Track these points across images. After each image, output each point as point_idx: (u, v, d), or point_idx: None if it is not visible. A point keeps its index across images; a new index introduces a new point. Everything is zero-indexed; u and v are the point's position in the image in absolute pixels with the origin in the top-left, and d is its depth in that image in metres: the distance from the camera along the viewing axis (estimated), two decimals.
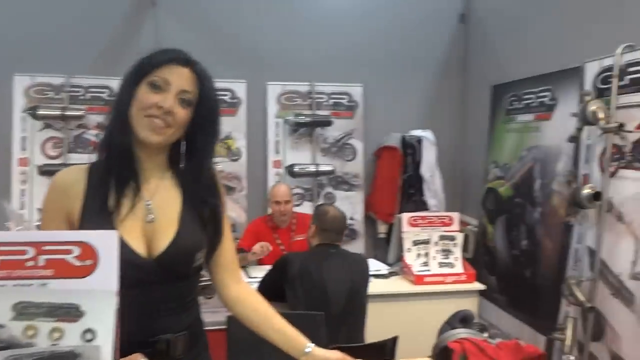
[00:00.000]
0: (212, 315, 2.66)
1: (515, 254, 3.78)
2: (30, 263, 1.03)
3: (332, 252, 2.63)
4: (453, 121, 4.89)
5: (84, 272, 1.05)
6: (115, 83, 4.09)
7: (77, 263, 1.05)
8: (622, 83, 2.77)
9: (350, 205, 4.55)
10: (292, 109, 4.53)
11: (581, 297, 2.81)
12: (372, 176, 4.72)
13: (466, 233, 3.42)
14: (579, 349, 2.87)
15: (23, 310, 1.01)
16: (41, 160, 4.17)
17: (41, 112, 4.09)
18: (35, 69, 4.19)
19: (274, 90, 4.53)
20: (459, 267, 3.15)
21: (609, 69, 2.85)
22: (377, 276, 3.12)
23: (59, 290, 1.03)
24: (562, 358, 2.83)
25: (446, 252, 3.19)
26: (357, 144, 4.62)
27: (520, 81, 3.97)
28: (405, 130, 4.65)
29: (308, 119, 4.43)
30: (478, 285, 3.14)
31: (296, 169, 4.33)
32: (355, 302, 2.55)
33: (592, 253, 2.89)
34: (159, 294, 1.29)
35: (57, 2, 4.26)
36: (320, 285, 2.49)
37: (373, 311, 2.84)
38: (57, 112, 4.12)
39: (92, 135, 4.26)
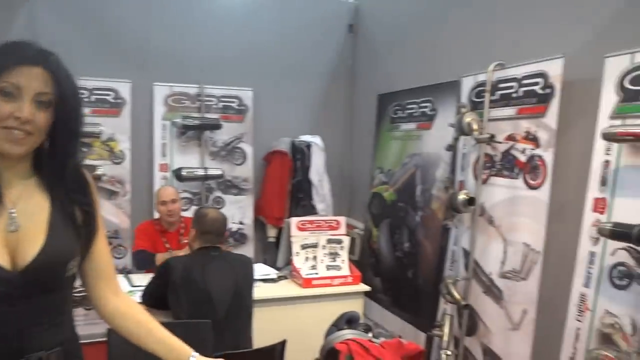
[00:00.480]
0: (91, 328, 2.52)
1: (398, 255, 3.97)
2: None
3: (214, 255, 2.58)
4: (341, 128, 5.04)
5: None
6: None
7: None
8: (493, 97, 3.01)
9: (240, 209, 4.52)
10: (180, 111, 4.41)
11: (457, 296, 3.00)
12: (261, 180, 4.72)
13: (352, 236, 3.54)
14: (455, 344, 3.07)
15: None
16: None
17: None
18: None
19: (161, 91, 4.38)
20: (345, 270, 3.24)
21: (482, 84, 3.09)
22: (266, 280, 3.13)
23: None
24: (440, 353, 3.00)
25: (333, 255, 3.27)
26: (247, 148, 4.60)
27: (404, 91, 4.18)
28: (295, 135, 4.72)
29: (197, 122, 4.34)
30: (363, 287, 3.25)
31: (184, 172, 4.22)
32: (240, 305, 2.53)
33: (467, 254, 3.11)
34: (27, 309, 1.18)
35: None
36: (203, 289, 2.44)
37: (262, 315, 2.84)
38: None
39: None
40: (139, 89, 4.32)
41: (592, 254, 2.34)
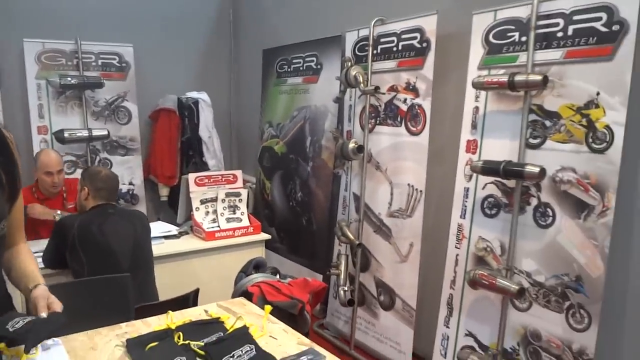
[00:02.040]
0: None
1: (292, 205, 4.16)
2: None
3: (110, 212, 2.58)
4: (227, 83, 5.04)
5: None
6: None
7: None
8: (375, 52, 3.21)
9: (129, 169, 4.41)
10: (56, 69, 4.15)
11: (351, 236, 3.26)
12: (149, 140, 4.63)
13: (246, 190, 3.64)
14: (351, 280, 3.34)
15: None
16: None
17: None
18: None
19: (32, 48, 4.09)
20: (245, 221, 3.35)
21: (365, 38, 3.27)
22: (167, 237, 3.16)
23: None
24: (338, 290, 3.26)
25: (233, 208, 3.36)
26: (131, 106, 4.45)
27: (289, 46, 4.28)
28: (181, 92, 4.65)
29: (75, 81, 4.12)
30: (264, 236, 3.40)
31: (66, 134, 4.01)
32: (141, 257, 2.56)
33: (357, 198, 3.35)
34: None
35: None
36: (104, 245, 2.44)
37: (168, 270, 2.90)
38: None
39: None
40: (7, 46, 4.01)
41: (467, 189, 2.66)
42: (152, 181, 4.62)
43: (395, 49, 3.11)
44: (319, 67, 3.96)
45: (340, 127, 3.64)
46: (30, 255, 1.43)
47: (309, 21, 4.12)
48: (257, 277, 2.45)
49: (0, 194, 1.30)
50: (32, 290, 1.29)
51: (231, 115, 5.04)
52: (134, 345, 1.31)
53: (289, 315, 2.26)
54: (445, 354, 2.76)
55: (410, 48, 3.00)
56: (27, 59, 4.07)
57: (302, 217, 4.05)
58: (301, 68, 4.14)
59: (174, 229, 3.27)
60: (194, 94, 4.61)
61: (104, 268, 2.33)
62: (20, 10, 4.02)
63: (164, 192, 4.58)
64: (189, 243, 3.17)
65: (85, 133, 4.10)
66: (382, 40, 3.18)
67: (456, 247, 2.72)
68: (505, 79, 2.33)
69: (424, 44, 2.91)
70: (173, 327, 1.39)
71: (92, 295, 2.04)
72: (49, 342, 1.33)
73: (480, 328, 2.60)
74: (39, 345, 1.30)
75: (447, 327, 2.76)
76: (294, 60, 4.22)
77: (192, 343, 1.29)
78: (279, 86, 4.38)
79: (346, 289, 3.26)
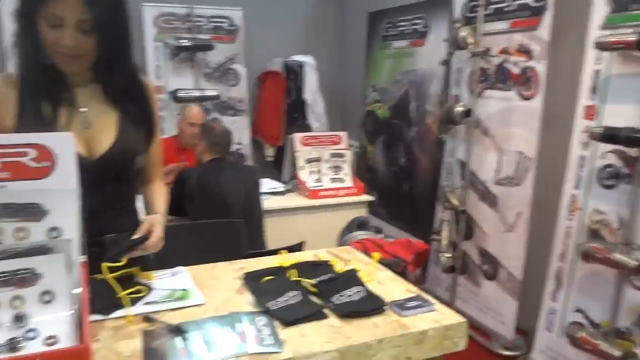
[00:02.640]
0: None
1: (394, 170, 4.14)
2: None
3: (224, 165, 2.74)
4: (332, 46, 5.05)
5: (42, 173, 1.06)
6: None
7: (34, 165, 1.05)
8: (487, 12, 3.07)
9: (237, 130, 4.57)
10: (171, 32, 4.37)
11: (455, 202, 3.19)
12: (256, 101, 4.77)
13: (350, 151, 3.67)
14: (453, 248, 3.29)
15: None
16: None
17: None
18: None
19: (150, 12, 4.32)
20: (349, 182, 3.40)
21: None
22: (274, 193, 3.27)
23: (19, 191, 1.03)
24: (439, 256, 3.23)
25: (336, 169, 3.41)
26: (240, 69, 4.61)
27: (394, 9, 4.20)
28: (287, 55, 4.73)
29: (188, 43, 4.31)
30: (367, 197, 3.43)
31: (180, 94, 4.24)
32: (252, 208, 2.71)
33: (463, 165, 3.27)
34: (102, 196, 1.34)
35: None
36: (218, 194, 2.60)
37: (273, 224, 3.00)
38: None
39: None
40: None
41: (582, 158, 2.50)
42: (258, 141, 4.78)
43: (508, 8, 2.96)
44: (425, 29, 3.87)
45: (446, 91, 3.54)
46: (162, 190, 1.55)
47: None
48: (360, 234, 2.49)
49: (139, 131, 1.43)
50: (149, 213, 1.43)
51: (336, 78, 5.06)
52: (250, 278, 1.38)
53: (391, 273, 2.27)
54: (551, 328, 2.66)
55: (525, 7, 2.84)
56: (145, 22, 4.31)
57: (404, 182, 4.02)
58: (407, 31, 4.06)
59: (280, 186, 3.38)
60: (299, 57, 4.67)
61: (218, 215, 2.47)
62: None
63: (269, 152, 4.72)
64: (294, 200, 3.27)
65: (197, 93, 4.31)
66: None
67: (568, 219, 2.58)
68: (633, 38, 2.15)
69: (541, 3, 2.74)
70: (286, 265, 1.45)
71: (208, 237, 2.18)
72: (177, 269, 1.45)
73: (591, 304, 2.46)
74: (167, 272, 1.42)
75: (554, 301, 2.64)
76: (400, 23, 4.14)
77: (304, 280, 1.34)
78: (384, 50, 4.32)
79: (448, 255, 3.22)
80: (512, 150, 2.95)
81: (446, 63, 3.48)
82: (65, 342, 0.98)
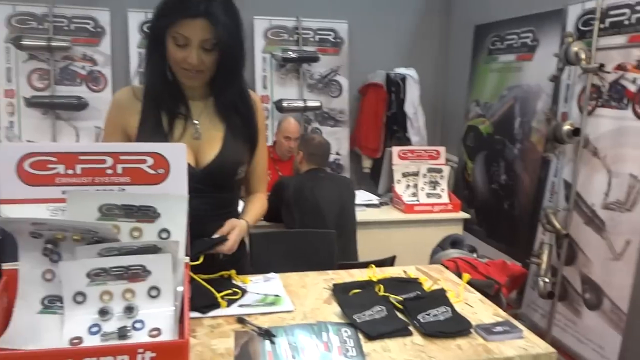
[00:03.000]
0: None
1: (494, 187, 4.02)
2: (110, 171, 1.14)
3: (321, 176, 2.82)
4: (436, 60, 5.01)
5: (157, 179, 1.17)
6: (99, 14, 4.16)
7: (151, 171, 1.17)
8: (602, 26, 2.92)
9: (336, 140, 4.68)
10: (279, 44, 4.56)
11: (557, 225, 3.05)
12: (356, 112, 4.84)
13: (448, 167, 3.62)
14: (553, 273, 3.14)
15: (107, 212, 1.13)
16: (28, 91, 4.13)
17: (25, 42, 4.02)
18: None
19: (260, 24, 4.53)
20: (445, 198, 3.36)
21: (591, 11, 2.99)
22: (369, 205, 3.31)
23: (137, 194, 1.15)
24: (538, 280, 3.10)
25: (433, 184, 3.38)
26: (343, 80, 4.71)
27: (502, 22, 4.09)
28: (390, 67, 4.76)
29: (295, 55, 4.47)
30: (463, 214, 3.37)
31: (284, 104, 4.41)
32: (346, 219, 2.75)
33: (568, 185, 3.12)
34: (206, 202, 1.45)
35: None
36: (314, 205, 2.67)
37: (366, 236, 3.03)
38: (43, 43, 4.05)
39: (79, 67, 4.23)
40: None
41: None
42: (357, 153, 4.84)
43: (627, 22, 2.79)
44: (535, 43, 3.73)
45: (554, 108, 3.40)
46: (260, 202, 1.65)
47: None
48: (453, 253, 2.45)
49: (242, 144, 1.54)
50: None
51: (437, 92, 5.01)
52: (339, 290, 1.43)
53: (483, 294, 2.23)
54: None
55: None
56: (256, 35, 4.52)
57: (504, 200, 3.90)
58: (515, 44, 3.94)
59: (375, 199, 3.41)
60: (402, 70, 4.68)
61: (313, 225, 2.56)
62: None
63: (367, 163, 4.77)
64: (389, 213, 3.28)
65: (300, 103, 4.45)
66: (611, 12, 2.88)
67: None
68: None
69: None
70: (375, 279, 1.48)
71: (301, 245, 2.26)
72: (270, 275, 1.53)
73: None
74: (261, 277, 1.50)
75: None
76: (508, 37, 4.03)
77: (392, 296, 1.37)
78: (489, 64, 4.22)
79: (547, 280, 3.08)
80: (623, 173, 2.77)
81: (555, 79, 3.33)
82: (167, 335, 1.08)
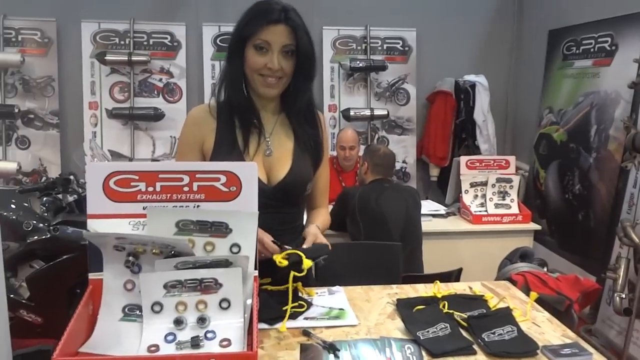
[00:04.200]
0: None
1: (568, 197, 3.88)
2: (186, 188, 1.22)
3: (386, 186, 2.83)
4: (506, 66, 4.90)
5: (230, 196, 1.23)
6: (176, 29, 4.36)
7: (224, 189, 1.23)
8: None
9: (403, 148, 4.67)
10: (347, 53, 4.60)
11: (636, 239, 2.91)
12: (424, 120, 4.80)
13: (518, 177, 3.53)
14: (630, 289, 2.99)
15: (183, 227, 1.20)
16: (110, 103, 4.39)
17: (109, 57, 4.28)
18: (100, 16, 4.35)
19: (329, 34, 4.60)
20: (515, 208, 3.27)
21: None
22: (435, 215, 3.28)
23: (211, 211, 1.21)
24: (614, 295, 2.96)
25: (502, 194, 3.31)
26: (410, 88, 4.69)
27: (578, 26, 3.95)
28: (458, 75, 4.69)
29: (363, 64, 4.50)
30: (534, 226, 3.27)
31: (351, 113, 4.45)
32: (411, 230, 2.75)
33: None
34: (276, 217, 1.50)
35: None
36: (379, 215, 2.69)
37: (433, 247, 3.01)
38: (124, 58, 4.30)
39: (156, 79, 4.45)
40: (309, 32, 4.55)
41: None
42: (424, 161, 4.80)
43: None
44: (613, 48, 3.58)
45: (634, 116, 3.24)
46: (325, 215, 1.69)
47: None
48: (522, 266, 2.40)
49: (310, 160, 1.59)
50: (306, 227, 1.56)
51: (508, 99, 4.89)
52: (403, 305, 1.44)
53: (553, 310, 2.16)
54: None
55: None
56: (324, 45, 4.59)
57: (578, 211, 3.75)
58: (592, 50, 3.79)
59: (442, 209, 3.38)
60: (471, 77, 4.61)
61: (378, 236, 2.57)
62: (321, 1, 4.50)
63: (434, 172, 4.72)
64: (456, 224, 3.24)
65: (367, 112, 4.48)
66: None
67: None
68: None
69: None
70: (439, 296, 1.48)
71: (366, 257, 2.28)
72: (335, 288, 1.57)
73: None
74: (325, 289, 1.54)
75: None
76: (584, 41, 3.88)
77: (456, 313, 1.37)
78: (563, 69, 4.09)
79: (623, 296, 2.93)
80: None
81: (635, 85, 3.19)
82: (237, 345, 1.13)
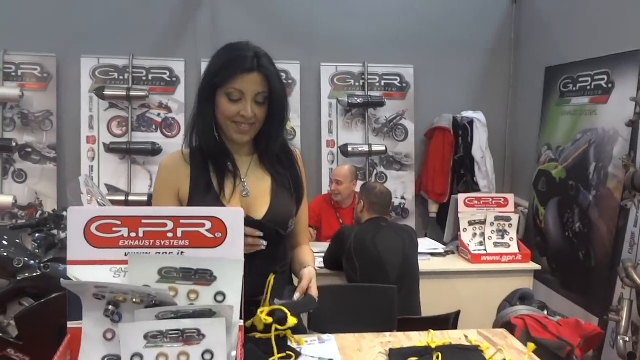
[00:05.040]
0: None
1: (568, 235, 3.83)
2: (170, 234, 1.18)
3: (383, 225, 2.78)
4: (504, 102, 4.91)
5: (215, 242, 1.20)
6: (175, 64, 4.39)
7: (209, 235, 1.19)
8: None
9: (402, 184, 4.64)
10: (345, 89, 4.62)
11: (638, 280, 2.85)
12: (422, 156, 4.79)
13: (517, 215, 3.49)
14: (634, 331, 2.92)
15: (166, 275, 1.16)
16: (107, 138, 4.39)
17: (107, 92, 4.29)
18: (100, 51, 4.39)
19: (327, 71, 4.62)
20: (514, 247, 3.22)
21: None
22: (433, 254, 3.23)
23: (195, 258, 1.17)
24: (618, 339, 2.89)
25: (501, 233, 3.26)
26: (409, 124, 4.69)
27: (575, 64, 3.97)
28: (456, 111, 4.70)
29: (361, 100, 4.51)
30: (533, 265, 3.21)
31: (349, 148, 4.44)
32: (408, 270, 2.69)
33: None
34: (259, 257, 1.44)
35: None
36: (375, 256, 2.64)
37: (431, 287, 2.96)
38: (123, 92, 4.31)
39: (155, 114, 4.45)
40: (307, 69, 4.60)
41: None
42: (423, 197, 4.77)
43: None
44: (609, 86, 3.58)
45: (632, 155, 3.22)
46: (310, 252, 1.67)
47: (599, 36, 3.76)
48: (522, 309, 2.33)
49: (290, 197, 1.57)
50: (301, 270, 1.52)
51: (506, 136, 4.89)
52: (396, 355, 1.39)
53: (553, 356, 2.10)
54: None
55: None
56: (322, 81, 4.61)
57: (579, 250, 3.70)
58: (589, 87, 3.80)
59: (440, 247, 3.33)
60: (469, 113, 4.61)
61: (374, 276, 2.52)
62: (319, 38, 4.54)
63: (433, 208, 4.68)
64: (454, 263, 3.18)
65: (365, 148, 4.47)
66: None
67: None
68: None
69: None
70: (433, 346, 1.43)
71: (361, 300, 2.22)
72: (325, 336, 1.51)
73: None
74: (316, 337, 1.49)
75: None
76: (581, 79, 3.90)
77: None
78: (561, 106, 4.09)
79: (627, 339, 2.86)
80: None
81: (633, 124, 3.18)
82: None
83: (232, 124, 1.47)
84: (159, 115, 4.46)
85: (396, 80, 4.69)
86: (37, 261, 2.71)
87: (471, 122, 4.56)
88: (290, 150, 1.62)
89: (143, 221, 1.18)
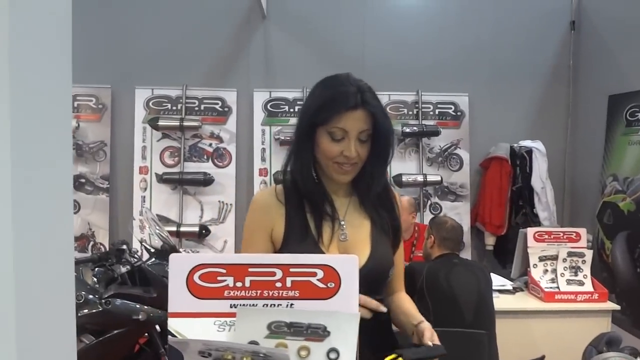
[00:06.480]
0: None
1: (639, 272, 3.63)
2: (279, 284, 1.09)
3: (455, 262, 2.64)
4: (563, 131, 4.74)
5: (327, 294, 1.10)
6: (227, 94, 4.39)
7: (321, 285, 1.10)
8: None
9: (457, 215, 4.48)
10: (398, 118, 4.53)
11: None
12: (478, 187, 4.64)
13: (591, 251, 3.29)
14: None
15: (276, 329, 1.07)
16: (160, 168, 4.38)
17: (161, 122, 4.30)
18: (154, 82, 4.41)
19: (381, 100, 4.53)
20: (588, 285, 3.03)
21: None
22: (501, 291, 3.06)
23: (307, 312, 1.08)
24: None
25: (574, 270, 3.07)
26: (464, 154, 4.57)
27: None
28: (513, 140, 4.56)
29: (415, 129, 4.42)
30: (611, 305, 3.00)
31: (403, 178, 4.33)
32: (484, 311, 2.52)
33: None
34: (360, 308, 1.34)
35: (171, 19, 4.47)
36: (449, 295, 2.48)
37: (503, 328, 2.78)
38: (176, 123, 4.31)
39: (206, 144, 4.44)
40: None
41: None
42: (479, 229, 4.60)
43: None
44: None
45: None
46: (410, 299, 1.55)
47: None
48: (613, 357, 2.15)
49: (389, 243, 1.46)
50: (417, 325, 1.39)
51: (566, 166, 4.71)
52: None
53: None
54: None
55: None
56: None
57: None
58: None
59: (508, 284, 3.17)
60: (527, 143, 4.47)
61: (449, 317, 2.37)
62: (370, 66, 4.48)
63: (489, 240, 4.50)
64: (525, 301, 3.01)
65: (420, 178, 4.35)
66: None
67: None
68: None
69: None
70: None
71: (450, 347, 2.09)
72: None
73: None
74: None
75: None
76: None
77: None
78: (628, 136, 3.92)
79: None
80: None
81: None
82: None
83: (333, 164, 1.37)
84: (210, 145, 4.44)
85: (450, 108, 4.59)
86: (97, 296, 2.67)
87: (529, 151, 4.41)
88: (391, 191, 1.51)
89: (250, 270, 1.09)
